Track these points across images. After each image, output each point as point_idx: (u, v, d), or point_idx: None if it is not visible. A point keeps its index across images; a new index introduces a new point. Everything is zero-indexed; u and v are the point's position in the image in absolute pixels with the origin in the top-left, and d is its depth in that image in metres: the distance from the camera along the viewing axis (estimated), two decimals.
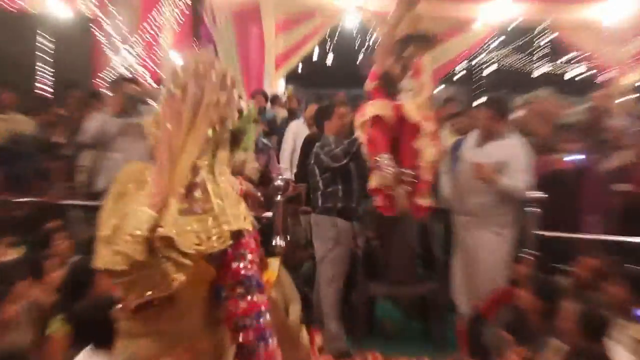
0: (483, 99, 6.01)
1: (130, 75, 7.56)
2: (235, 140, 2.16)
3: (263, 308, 2.02)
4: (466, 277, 5.36)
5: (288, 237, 5.79)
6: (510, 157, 5.17)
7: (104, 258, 1.96)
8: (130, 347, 2.04)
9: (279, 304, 4.73)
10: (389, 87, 5.38)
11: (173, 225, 1.92)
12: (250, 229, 2.06)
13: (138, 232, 1.90)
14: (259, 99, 9.71)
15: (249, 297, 2.01)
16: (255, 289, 2.02)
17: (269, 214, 5.76)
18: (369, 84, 5.46)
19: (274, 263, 5.13)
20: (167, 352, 2.00)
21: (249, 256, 2.04)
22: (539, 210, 5.38)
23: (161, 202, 1.94)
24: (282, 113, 10.32)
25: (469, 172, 5.22)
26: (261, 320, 2.00)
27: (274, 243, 5.58)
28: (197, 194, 1.99)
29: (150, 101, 6.06)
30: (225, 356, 2.07)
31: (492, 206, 5.19)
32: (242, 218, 2.03)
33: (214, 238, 1.96)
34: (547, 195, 5.43)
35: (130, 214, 1.94)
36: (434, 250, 5.70)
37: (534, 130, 6.46)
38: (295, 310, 4.99)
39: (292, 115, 9.86)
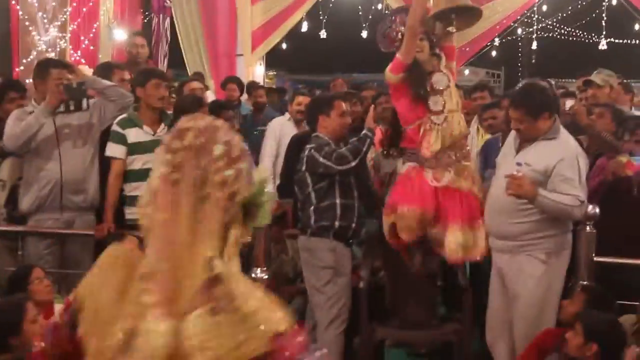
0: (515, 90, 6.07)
1: (62, 59, 7.73)
2: (248, 213, 2.29)
3: None
4: (503, 316, 5.55)
5: (271, 269, 6.02)
6: (557, 164, 5.19)
7: None
8: None
9: None
10: (418, 85, 5.46)
11: (201, 334, 2.04)
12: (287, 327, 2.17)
13: None
14: (231, 89, 9.89)
15: None
16: None
17: (247, 239, 5.99)
18: (392, 77, 5.53)
19: None
20: None
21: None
22: (595, 230, 5.60)
23: (170, 312, 2.05)
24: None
25: (503, 185, 5.26)
26: None
27: (253, 275, 5.83)
28: (218, 291, 2.09)
29: (92, 92, 6.19)
30: None
31: (534, 228, 5.30)
32: (276, 317, 2.15)
33: (252, 341, 2.07)
34: (608, 211, 5.67)
35: (139, 338, 2.04)
36: (460, 282, 5.88)
37: (592, 125, 6.72)
38: None
39: (258, 111, 10.02)
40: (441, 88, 5.50)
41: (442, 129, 5.46)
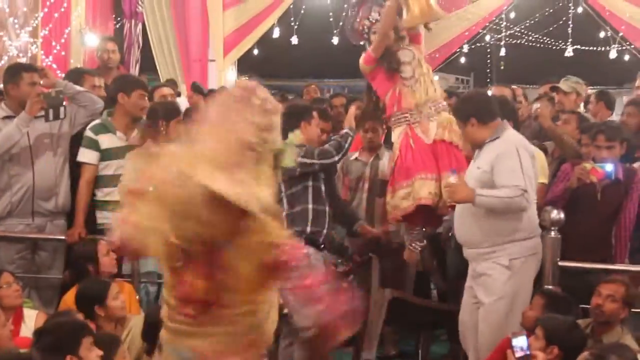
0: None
1: (33, 64, 7.70)
2: (276, 160, 2.84)
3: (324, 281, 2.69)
4: (471, 323, 5.61)
5: None
6: (496, 159, 5.29)
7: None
8: (189, 346, 2.80)
9: None
10: (390, 62, 6.01)
11: None
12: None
13: None
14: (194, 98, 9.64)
15: (306, 280, 2.67)
16: (309, 270, 2.69)
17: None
18: (365, 67, 6.12)
19: None
20: (233, 350, 2.76)
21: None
22: (560, 235, 5.67)
23: None
24: None
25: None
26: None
27: None
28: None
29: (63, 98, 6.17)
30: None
31: (495, 233, 5.35)
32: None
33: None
34: (572, 217, 5.76)
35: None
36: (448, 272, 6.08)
37: (554, 127, 6.81)
38: None
39: None
40: (407, 60, 6.00)
41: (416, 86, 5.98)
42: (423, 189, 5.76)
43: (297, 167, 5.69)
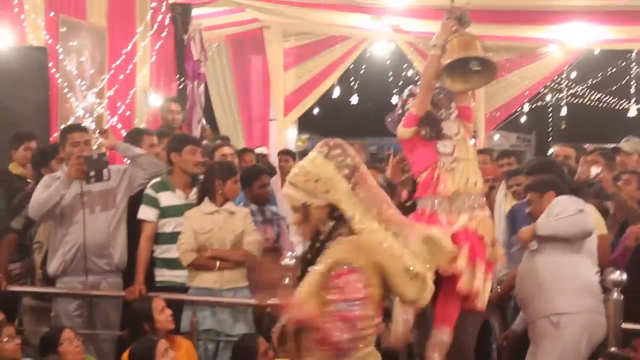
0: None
1: (79, 124, 7.81)
2: None
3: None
4: None
5: None
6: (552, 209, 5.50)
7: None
8: None
9: None
10: (430, 128, 5.41)
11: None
12: None
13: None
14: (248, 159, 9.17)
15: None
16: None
17: (276, 301, 6.00)
18: (404, 131, 5.50)
19: None
20: None
21: None
22: (622, 297, 5.57)
23: None
24: None
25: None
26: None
27: None
28: None
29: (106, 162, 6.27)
30: None
31: (545, 281, 5.42)
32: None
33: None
34: (635, 278, 5.65)
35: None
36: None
37: (618, 193, 6.74)
38: None
39: None
40: (451, 133, 5.42)
41: (457, 172, 5.33)
42: None
43: None
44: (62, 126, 7.62)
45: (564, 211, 5.41)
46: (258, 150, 10.10)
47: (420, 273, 3.25)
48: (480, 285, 5.08)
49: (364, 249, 3.23)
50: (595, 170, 7.02)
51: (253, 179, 6.88)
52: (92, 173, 6.18)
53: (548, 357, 5.31)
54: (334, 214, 3.35)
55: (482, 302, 5.14)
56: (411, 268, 3.24)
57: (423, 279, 3.27)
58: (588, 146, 9.34)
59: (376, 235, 3.29)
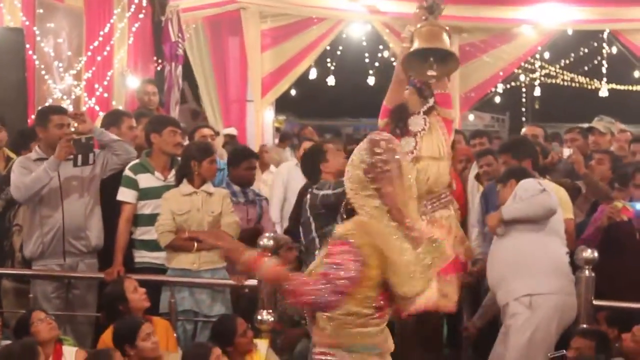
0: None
1: (61, 106, 7.72)
2: None
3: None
4: None
5: (277, 311, 6.03)
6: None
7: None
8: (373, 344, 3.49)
9: None
10: (396, 124, 5.58)
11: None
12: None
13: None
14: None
15: None
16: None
17: (253, 281, 6.02)
18: (380, 122, 5.74)
19: (261, 345, 5.40)
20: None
21: None
22: (594, 274, 5.62)
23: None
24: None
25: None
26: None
27: (259, 318, 5.85)
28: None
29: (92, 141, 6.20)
30: None
31: (514, 264, 5.45)
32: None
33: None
34: (607, 256, 5.70)
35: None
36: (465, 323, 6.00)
37: (589, 174, 6.77)
38: None
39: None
40: (415, 130, 5.54)
41: (417, 174, 5.33)
42: None
43: (324, 198, 5.70)
44: (41, 107, 7.52)
45: (527, 192, 5.45)
46: (227, 131, 10.08)
47: (419, 271, 3.37)
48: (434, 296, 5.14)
49: (367, 230, 3.38)
50: (567, 151, 7.06)
51: (242, 159, 6.86)
52: (79, 157, 6.15)
53: (519, 338, 5.34)
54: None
55: (450, 305, 5.30)
56: (412, 267, 3.36)
57: (421, 278, 3.39)
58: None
59: (384, 225, 3.42)
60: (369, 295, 3.39)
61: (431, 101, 5.62)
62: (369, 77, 14.98)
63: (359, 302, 3.40)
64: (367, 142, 3.53)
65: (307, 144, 8.15)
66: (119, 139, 6.43)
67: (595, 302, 5.64)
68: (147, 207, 6.30)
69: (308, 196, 5.90)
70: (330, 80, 14.81)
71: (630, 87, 15.64)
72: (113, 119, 6.89)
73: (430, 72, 5.45)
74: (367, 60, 15.00)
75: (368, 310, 3.41)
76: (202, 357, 4.87)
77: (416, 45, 5.50)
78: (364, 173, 3.47)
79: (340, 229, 3.44)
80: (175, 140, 6.40)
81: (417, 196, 4.96)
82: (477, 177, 7.02)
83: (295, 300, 3.39)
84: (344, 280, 3.31)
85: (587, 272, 5.60)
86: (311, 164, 6.26)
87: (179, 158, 6.36)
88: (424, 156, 5.48)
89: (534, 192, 5.43)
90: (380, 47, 14.60)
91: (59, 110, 6.49)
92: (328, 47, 13.65)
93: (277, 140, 13.36)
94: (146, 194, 6.30)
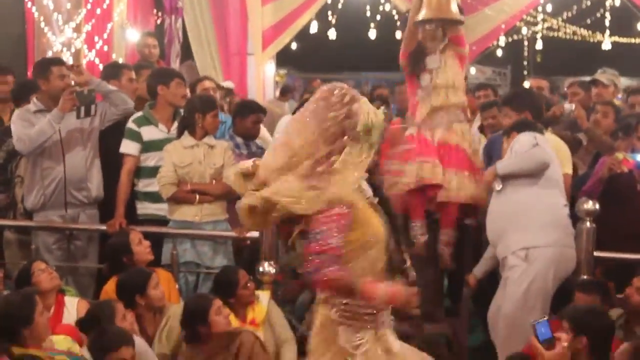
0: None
1: (60, 57, 7.67)
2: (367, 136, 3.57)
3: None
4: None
5: (279, 263, 6.05)
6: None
7: None
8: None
9: (269, 346, 5.04)
10: (414, 65, 6.04)
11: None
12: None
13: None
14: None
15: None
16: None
17: (255, 234, 6.04)
18: (402, 62, 6.15)
19: (263, 297, 5.42)
20: None
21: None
22: (594, 226, 5.63)
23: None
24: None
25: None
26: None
27: (261, 270, 5.86)
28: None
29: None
30: None
31: (512, 218, 5.47)
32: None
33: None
34: (609, 207, 5.70)
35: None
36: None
37: (591, 128, 6.75)
38: (289, 352, 5.29)
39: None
40: (433, 66, 5.98)
41: (436, 94, 5.94)
42: (425, 170, 5.77)
43: None
44: (41, 58, 7.49)
45: (521, 147, 5.46)
46: (224, 84, 10.03)
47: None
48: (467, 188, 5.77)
49: None
50: (569, 106, 7.03)
51: (250, 112, 6.81)
52: (82, 108, 6.13)
53: (516, 290, 5.36)
54: None
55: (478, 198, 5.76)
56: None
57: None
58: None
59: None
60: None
61: (446, 39, 6.01)
62: (371, 30, 14.85)
63: None
64: None
65: (309, 96, 8.12)
66: (116, 89, 6.41)
67: (596, 254, 5.65)
68: (150, 159, 6.30)
69: None
70: (332, 34, 14.70)
71: (633, 40, 15.50)
72: (113, 72, 6.86)
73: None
74: (368, 13, 14.86)
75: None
76: (203, 307, 4.88)
77: (423, 14, 5.83)
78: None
79: None
80: (182, 92, 6.42)
81: (435, 109, 5.88)
82: (481, 129, 7.01)
83: None
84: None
85: (587, 223, 5.61)
86: None
87: (182, 110, 6.34)
88: (439, 84, 5.94)
89: (527, 147, 5.44)
90: (382, 0, 14.47)
91: (59, 62, 6.47)
92: (329, 1, 13.54)
93: (277, 94, 13.32)
94: (150, 146, 6.30)
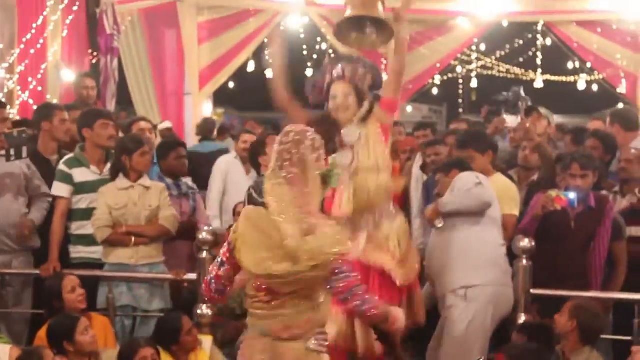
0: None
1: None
2: (324, 182, 3.77)
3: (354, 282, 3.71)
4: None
5: (217, 305, 5.97)
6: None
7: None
8: (260, 325, 3.70)
9: None
10: (328, 139, 4.35)
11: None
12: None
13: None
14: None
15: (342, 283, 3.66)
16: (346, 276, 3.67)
17: (193, 275, 5.96)
18: (388, 118, 5.25)
19: (206, 342, 5.34)
20: (295, 325, 3.65)
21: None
22: (531, 263, 5.66)
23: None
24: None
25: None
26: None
27: (199, 312, 5.78)
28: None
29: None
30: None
31: (452, 256, 5.46)
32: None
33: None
34: (545, 245, 5.75)
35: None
36: None
37: (542, 142, 6.82)
38: None
39: None
40: (349, 141, 5.00)
41: (357, 186, 4.94)
42: None
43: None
44: None
45: (463, 186, 5.49)
46: (162, 126, 9.97)
47: (292, 249, 3.52)
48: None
49: (248, 215, 3.72)
50: (512, 119, 7.05)
51: (169, 150, 6.77)
52: (12, 151, 5.99)
53: (456, 329, 5.37)
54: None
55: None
56: (285, 242, 3.53)
57: (293, 254, 3.53)
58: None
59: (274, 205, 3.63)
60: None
61: (366, 105, 5.08)
62: (307, 69, 14.94)
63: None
64: (280, 134, 3.77)
65: (246, 137, 8.12)
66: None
67: (532, 291, 5.68)
68: (82, 202, 6.20)
69: (247, 192, 5.81)
70: (269, 73, 14.73)
71: (564, 79, 15.84)
72: (45, 113, 6.73)
73: (370, 35, 5.47)
74: (305, 52, 14.96)
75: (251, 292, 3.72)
76: (70, 326, 4.89)
77: (349, 13, 5.45)
78: (275, 161, 3.70)
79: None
80: (107, 133, 6.29)
81: (359, 210, 4.89)
82: (423, 168, 7.03)
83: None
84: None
85: (524, 261, 5.65)
86: (253, 158, 6.45)
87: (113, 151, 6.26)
88: (362, 168, 4.96)
89: (470, 185, 5.46)
90: (318, 39, 14.57)
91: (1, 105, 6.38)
92: (266, 40, 13.58)
93: (215, 133, 13.23)
94: (81, 188, 6.19)
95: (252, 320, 3.78)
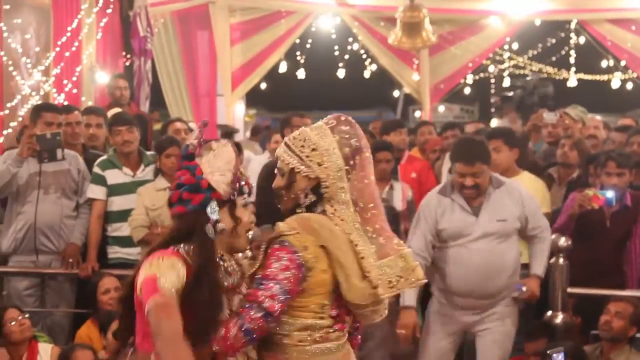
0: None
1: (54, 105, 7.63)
2: None
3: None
4: None
5: None
6: (524, 207, 5.16)
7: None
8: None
9: None
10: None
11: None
12: None
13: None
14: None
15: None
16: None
17: None
18: None
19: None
20: None
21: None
22: (567, 262, 5.61)
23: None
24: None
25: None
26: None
27: None
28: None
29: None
30: None
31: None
32: None
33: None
34: (581, 244, 5.74)
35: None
36: None
37: (561, 159, 6.78)
38: None
39: None
40: None
41: None
42: None
43: None
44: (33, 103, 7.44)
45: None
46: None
47: (373, 281, 2.99)
48: None
49: (312, 227, 2.98)
50: (550, 115, 6.98)
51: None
52: (44, 153, 6.03)
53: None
54: (319, 189, 3.07)
55: None
56: (366, 273, 2.98)
57: (373, 289, 2.99)
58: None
59: (344, 225, 3.03)
60: (323, 304, 3.02)
61: None
62: (339, 69, 14.97)
63: (313, 312, 3.02)
64: (339, 123, 3.15)
65: (277, 137, 8.11)
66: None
67: (569, 290, 5.66)
68: (116, 204, 6.23)
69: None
70: (300, 74, 14.80)
71: (598, 77, 15.75)
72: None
73: None
74: (336, 53, 14.99)
75: (325, 321, 3.03)
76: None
77: None
78: (345, 159, 3.08)
79: (280, 227, 3.01)
80: (121, 138, 6.29)
81: None
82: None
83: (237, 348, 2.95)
84: (274, 298, 2.89)
85: (561, 260, 5.61)
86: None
87: (148, 153, 6.34)
88: None
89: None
90: (350, 39, 14.59)
91: (50, 108, 6.43)
92: (297, 41, 13.64)
93: (248, 134, 13.32)
94: (114, 190, 6.23)
95: (325, 357, 3.05)
